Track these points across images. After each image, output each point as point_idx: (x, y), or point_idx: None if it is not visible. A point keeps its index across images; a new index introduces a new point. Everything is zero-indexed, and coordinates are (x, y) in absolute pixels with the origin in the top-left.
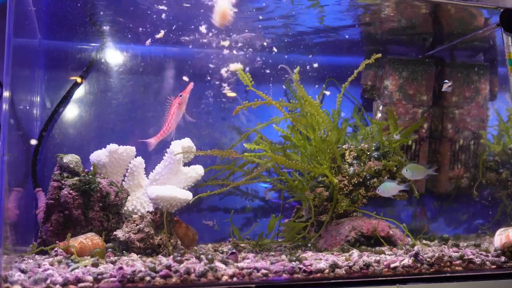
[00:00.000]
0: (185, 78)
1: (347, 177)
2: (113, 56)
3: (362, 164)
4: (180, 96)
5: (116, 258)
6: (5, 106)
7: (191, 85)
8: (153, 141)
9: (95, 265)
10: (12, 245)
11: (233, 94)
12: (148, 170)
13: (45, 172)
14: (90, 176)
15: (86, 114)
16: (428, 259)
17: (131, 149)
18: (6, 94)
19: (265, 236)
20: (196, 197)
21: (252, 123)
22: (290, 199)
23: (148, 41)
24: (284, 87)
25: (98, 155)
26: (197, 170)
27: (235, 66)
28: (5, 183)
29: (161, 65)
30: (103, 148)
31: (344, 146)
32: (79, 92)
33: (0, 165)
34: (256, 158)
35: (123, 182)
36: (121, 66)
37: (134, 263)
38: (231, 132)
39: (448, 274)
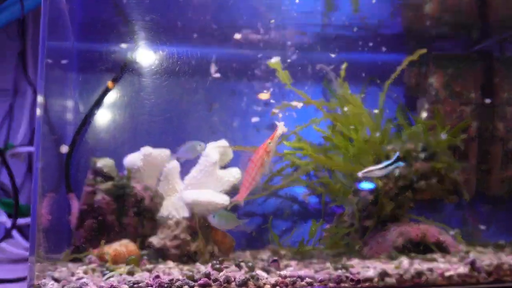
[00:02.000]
0: (217, 75)
1: (392, 180)
2: (148, 57)
3: (408, 166)
4: (270, 143)
5: (152, 266)
6: (39, 112)
7: (281, 127)
8: (238, 200)
9: (130, 273)
10: (45, 252)
11: (266, 96)
12: (183, 174)
13: (78, 177)
14: (124, 181)
15: (119, 117)
16: (486, 267)
17: (166, 152)
18: (40, 99)
19: (306, 242)
20: (232, 203)
21: (289, 125)
22: (331, 203)
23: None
24: (323, 86)
25: (133, 159)
26: (234, 174)
27: (274, 60)
28: (39, 189)
29: (196, 66)
30: (137, 152)
31: (388, 147)
32: (113, 95)
33: (34, 171)
34: (296, 159)
35: (158, 187)
36: (156, 66)
37: (171, 271)
38: (267, 134)
39: (508, 284)
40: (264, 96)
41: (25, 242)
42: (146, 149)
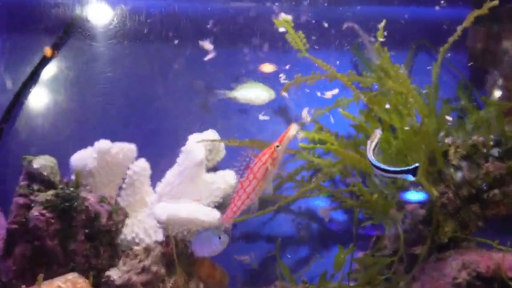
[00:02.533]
0: (207, 46)
1: (452, 187)
2: (103, 12)
3: (475, 167)
4: (277, 147)
5: None
6: None
7: (294, 127)
8: (226, 220)
9: None
10: None
11: (271, 68)
12: (155, 179)
13: (5, 183)
14: (71, 189)
15: (63, 98)
16: None
17: (130, 148)
18: None
19: (329, 277)
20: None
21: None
22: (366, 221)
23: None
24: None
25: (83, 158)
26: (228, 178)
27: (284, 18)
28: None
29: (174, 26)
30: (89, 147)
31: (446, 140)
32: (54, 67)
33: None
34: (316, 158)
35: (119, 198)
36: (115, 26)
37: None
38: (274, 122)
39: None
40: (268, 68)
41: None
42: (102, 144)
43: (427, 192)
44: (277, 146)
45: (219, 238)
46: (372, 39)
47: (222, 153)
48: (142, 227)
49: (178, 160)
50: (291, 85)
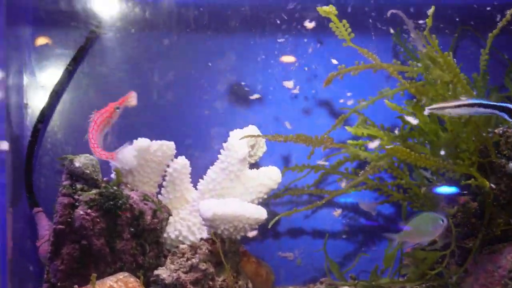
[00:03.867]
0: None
1: (504, 179)
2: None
3: None
4: (117, 108)
5: None
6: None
7: (133, 95)
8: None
9: None
10: None
11: (291, 59)
12: (194, 176)
13: (44, 183)
14: (114, 188)
15: (98, 96)
16: None
17: (169, 146)
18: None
19: (380, 272)
20: (277, 217)
21: (345, 99)
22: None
23: None
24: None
25: (123, 156)
26: (272, 175)
27: (327, 9)
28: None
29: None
30: (128, 145)
31: (496, 131)
32: (88, 64)
33: None
34: (362, 151)
35: (159, 196)
36: (152, 22)
37: None
38: (316, 114)
39: None
40: (288, 59)
41: None
42: (142, 142)
43: (479, 184)
44: (117, 108)
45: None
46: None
47: (263, 148)
48: (185, 225)
49: (220, 156)
50: (335, 76)
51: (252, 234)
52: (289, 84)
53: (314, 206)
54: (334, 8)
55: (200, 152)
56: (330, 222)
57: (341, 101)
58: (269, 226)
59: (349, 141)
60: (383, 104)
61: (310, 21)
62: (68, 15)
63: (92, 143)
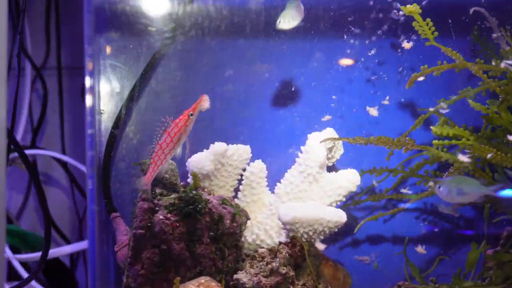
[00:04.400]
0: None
1: None
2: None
3: None
4: (191, 115)
5: None
6: (90, 100)
7: (206, 99)
8: (147, 180)
9: None
10: None
11: (349, 62)
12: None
13: (120, 188)
14: (193, 192)
15: (172, 100)
16: None
17: (245, 149)
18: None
19: (462, 276)
20: (362, 222)
21: (422, 100)
22: (498, 217)
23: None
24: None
25: (199, 160)
26: (350, 177)
27: (411, 8)
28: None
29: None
30: (204, 150)
31: None
32: (162, 69)
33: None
34: (445, 153)
35: (236, 199)
36: (225, 24)
37: None
38: (392, 116)
39: None
40: (346, 62)
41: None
42: (218, 146)
43: None
44: (191, 115)
45: None
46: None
47: (341, 151)
48: (262, 228)
49: (298, 159)
50: (418, 77)
51: (321, 247)
52: (373, 111)
53: (398, 211)
54: (418, 7)
55: (273, 156)
56: (408, 225)
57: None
58: (355, 231)
59: (435, 142)
60: (460, 105)
61: (408, 41)
62: (143, 21)
63: (155, 160)
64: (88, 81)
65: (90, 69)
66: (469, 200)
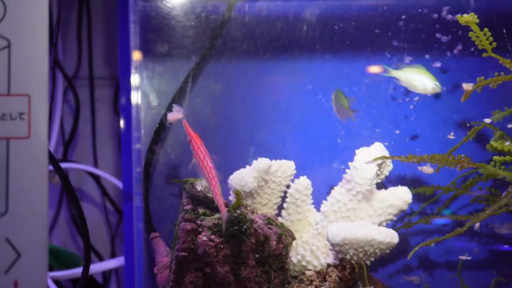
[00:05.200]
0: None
1: None
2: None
3: None
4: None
5: None
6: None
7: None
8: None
9: None
10: None
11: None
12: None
13: (158, 206)
14: (238, 212)
15: (211, 114)
16: None
17: (289, 165)
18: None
19: None
20: (417, 247)
21: (466, 111)
22: None
23: None
24: None
25: (242, 177)
26: (402, 195)
27: (467, 17)
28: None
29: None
30: (247, 166)
31: None
32: (200, 82)
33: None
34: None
35: (279, 218)
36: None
37: None
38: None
39: None
40: (375, 69)
41: None
42: (262, 162)
43: None
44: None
45: None
46: None
47: (390, 167)
48: (308, 249)
49: (346, 176)
50: (475, 89)
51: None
52: (428, 170)
53: (454, 235)
54: (475, 16)
55: (315, 171)
56: (461, 243)
57: None
58: (408, 258)
59: (496, 158)
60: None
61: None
62: (185, 27)
63: (214, 187)
64: (134, 94)
65: (135, 81)
66: None
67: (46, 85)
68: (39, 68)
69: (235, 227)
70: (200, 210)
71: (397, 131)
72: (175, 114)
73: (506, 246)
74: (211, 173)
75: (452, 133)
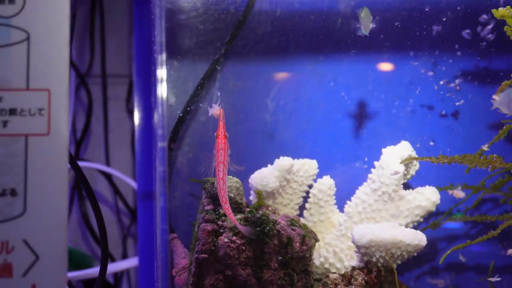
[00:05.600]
0: None
1: None
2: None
3: None
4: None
5: None
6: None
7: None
8: (233, 219)
9: None
10: None
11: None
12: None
13: (174, 206)
14: (260, 212)
15: (237, 112)
16: None
17: (311, 164)
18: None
19: None
20: (448, 251)
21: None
22: None
23: None
24: None
25: (264, 177)
26: (429, 195)
27: (503, 11)
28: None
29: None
30: (268, 165)
31: None
32: (220, 79)
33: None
34: None
35: (301, 219)
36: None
37: None
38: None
39: None
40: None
41: None
42: (284, 161)
43: None
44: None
45: None
46: None
47: (416, 166)
48: (331, 251)
49: (372, 176)
50: (509, 84)
51: None
52: (459, 194)
53: (487, 238)
54: None
55: (337, 171)
56: (488, 246)
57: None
58: (440, 262)
59: None
60: None
61: None
62: (207, 23)
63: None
64: (159, 90)
65: (161, 77)
66: None
67: (67, 80)
68: (59, 62)
69: (258, 228)
70: (221, 211)
71: (425, 138)
72: (216, 109)
73: None
74: (221, 180)
75: (486, 145)
